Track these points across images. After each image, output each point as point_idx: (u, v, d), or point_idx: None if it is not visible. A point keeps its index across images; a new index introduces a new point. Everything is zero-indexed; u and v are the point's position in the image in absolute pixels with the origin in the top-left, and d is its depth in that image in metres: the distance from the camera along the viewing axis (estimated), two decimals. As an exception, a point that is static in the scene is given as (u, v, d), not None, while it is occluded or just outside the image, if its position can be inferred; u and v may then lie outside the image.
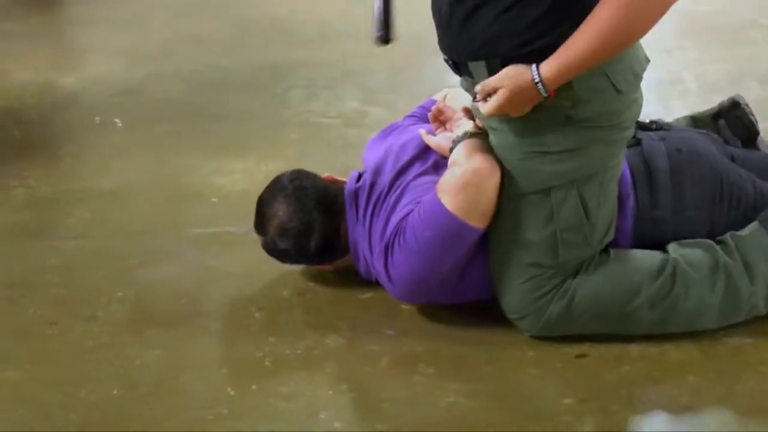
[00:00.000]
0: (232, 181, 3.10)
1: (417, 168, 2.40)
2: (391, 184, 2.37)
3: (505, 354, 2.29)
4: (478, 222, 2.18)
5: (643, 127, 2.44)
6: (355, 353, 2.33)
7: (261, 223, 2.46)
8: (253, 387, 2.22)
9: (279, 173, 2.54)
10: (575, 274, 2.24)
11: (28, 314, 2.49)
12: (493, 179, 2.17)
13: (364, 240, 2.36)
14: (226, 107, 3.64)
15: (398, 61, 4.03)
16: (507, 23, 2.06)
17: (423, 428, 2.08)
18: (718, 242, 2.30)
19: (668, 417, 2.11)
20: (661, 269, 2.24)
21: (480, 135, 2.29)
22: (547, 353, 2.27)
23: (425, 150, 2.43)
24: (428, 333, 2.37)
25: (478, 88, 2.13)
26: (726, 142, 2.59)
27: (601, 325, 2.26)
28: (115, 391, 2.21)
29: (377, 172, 2.43)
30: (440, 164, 2.39)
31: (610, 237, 2.28)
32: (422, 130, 2.45)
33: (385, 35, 2.15)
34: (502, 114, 2.12)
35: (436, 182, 2.28)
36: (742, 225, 2.34)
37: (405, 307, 2.44)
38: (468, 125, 2.32)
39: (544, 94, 2.05)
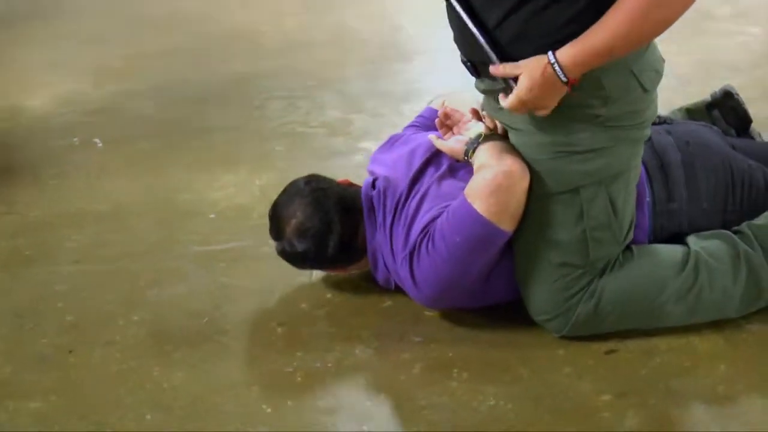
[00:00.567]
0: (227, 196, 3.07)
1: (432, 173, 2.39)
2: (409, 190, 2.37)
3: (536, 354, 2.29)
4: (508, 225, 2.19)
5: (648, 122, 2.45)
6: (387, 362, 2.32)
7: (277, 226, 2.44)
8: (289, 403, 2.21)
9: (292, 180, 2.53)
10: (601, 273, 2.25)
11: (42, 343, 2.44)
12: (525, 181, 2.17)
13: (386, 247, 2.35)
14: (205, 121, 3.60)
15: (371, 68, 4.05)
16: (538, 23, 2.05)
17: (467, 432, 2.07)
18: (736, 232, 2.33)
19: (708, 407, 2.12)
20: (684, 262, 2.26)
21: (494, 136, 2.28)
22: (577, 351, 2.29)
23: (436, 155, 2.43)
24: (456, 338, 2.37)
25: (497, 72, 2.10)
26: (723, 132, 2.63)
27: (630, 321, 2.28)
28: (148, 416, 2.18)
29: (391, 179, 2.43)
30: (456, 168, 2.40)
31: (632, 234, 2.29)
32: (432, 136, 2.45)
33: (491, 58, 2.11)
34: (529, 112, 2.12)
35: (457, 186, 2.28)
36: (755, 213, 2.38)
37: (428, 313, 2.44)
38: (479, 127, 2.33)
39: (563, 79, 2.02)
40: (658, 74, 2.20)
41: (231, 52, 4.29)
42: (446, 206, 2.25)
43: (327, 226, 2.38)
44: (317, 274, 2.61)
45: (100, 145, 3.45)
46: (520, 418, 2.10)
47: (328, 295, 2.55)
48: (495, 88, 2.21)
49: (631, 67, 2.11)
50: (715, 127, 2.62)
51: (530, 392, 2.18)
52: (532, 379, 2.22)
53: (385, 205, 2.37)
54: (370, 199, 2.40)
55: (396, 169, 2.44)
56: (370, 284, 2.54)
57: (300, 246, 2.39)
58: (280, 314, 2.50)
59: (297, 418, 2.16)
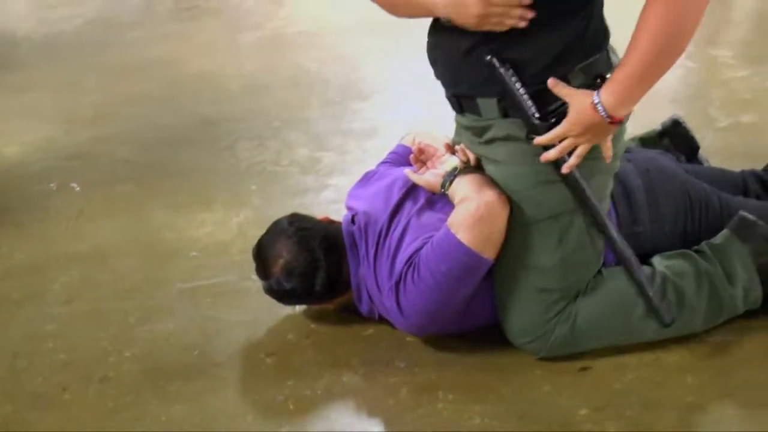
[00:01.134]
0: (207, 234, 3.07)
1: (410, 206, 2.41)
2: (389, 223, 2.39)
3: (516, 374, 2.32)
4: (490, 253, 2.22)
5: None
6: (374, 387, 2.33)
7: (264, 266, 2.44)
8: (284, 430, 2.22)
9: (275, 221, 2.53)
10: (575, 297, 2.29)
11: (38, 382, 2.42)
12: (505, 211, 2.21)
13: (370, 279, 2.37)
14: (178, 163, 3.60)
15: (333, 108, 4.07)
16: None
17: (458, 452, 2.10)
18: (696, 251, 2.37)
19: (680, 416, 2.16)
20: (651, 282, 2.30)
21: (468, 169, 2.32)
22: (554, 369, 2.32)
23: (413, 189, 2.45)
24: (439, 362, 2.38)
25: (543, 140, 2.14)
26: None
27: (604, 340, 2.32)
28: (149, 449, 2.16)
29: (370, 214, 2.44)
30: (433, 200, 2.41)
31: (602, 258, 2.34)
32: (407, 170, 2.46)
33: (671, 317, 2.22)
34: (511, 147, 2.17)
35: (436, 217, 2.31)
36: (712, 233, 2.43)
37: (411, 339, 2.46)
38: (454, 161, 2.35)
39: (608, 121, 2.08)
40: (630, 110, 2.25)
41: (198, 95, 4.29)
42: (429, 237, 2.27)
43: (313, 264, 2.39)
44: (301, 306, 2.60)
45: (78, 189, 3.43)
46: (506, 434, 2.12)
47: (313, 326, 2.56)
48: (477, 124, 2.25)
49: None
50: (670, 154, 2.68)
51: (513, 410, 2.20)
52: (514, 397, 2.24)
53: (367, 239, 2.39)
54: (352, 235, 2.42)
55: (374, 204, 2.46)
56: (352, 313, 2.55)
57: (288, 285, 2.40)
58: (269, 345, 2.50)
59: (293, 444, 2.16)
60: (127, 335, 2.57)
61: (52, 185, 3.47)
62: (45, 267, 2.93)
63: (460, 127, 2.39)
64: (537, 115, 2.12)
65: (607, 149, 2.18)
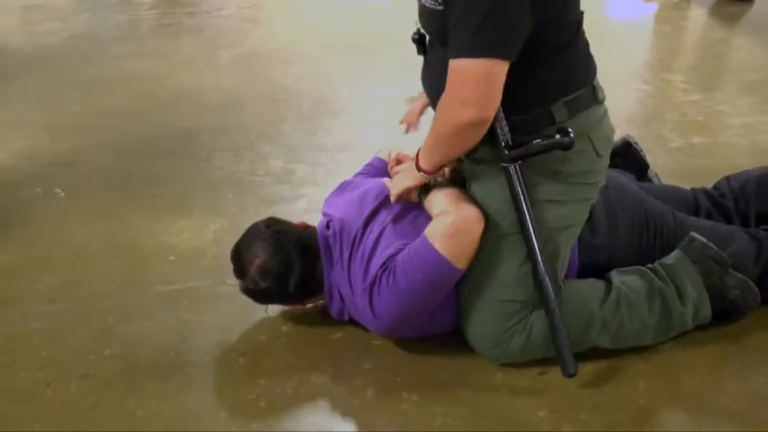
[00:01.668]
0: (184, 240, 3.06)
1: (384, 214, 2.43)
2: (363, 229, 2.41)
3: (477, 377, 2.35)
4: (463, 264, 2.25)
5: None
6: (341, 388, 2.35)
7: (240, 266, 2.45)
8: (255, 426, 2.23)
9: (252, 224, 2.53)
10: (533, 310, 2.30)
11: (21, 377, 2.41)
12: (480, 226, 2.25)
13: (343, 281, 2.38)
14: (157, 172, 3.59)
15: (306, 122, 4.08)
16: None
17: (420, 450, 2.11)
18: (651, 269, 2.40)
19: (632, 418, 2.20)
20: (607, 295, 2.33)
21: (442, 181, 2.35)
22: (514, 374, 2.35)
23: (387, 198, 2.47)
24: (403, 364, 2.40)
25: None
26: None
27: None
28: (125, 442, 2.16)
29: (345, 220, 2.46)
30: (407, 209, 2.44)
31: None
32: (386, 180, 2.49)
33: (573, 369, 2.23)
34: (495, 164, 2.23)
35: (410, 225, 2.36)
36: (666, 247, 2.46)
37: (376, 342, 2.48)
38: None
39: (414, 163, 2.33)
40: (610, 142, 2.31)
41: (176, 108, 4.28)
42: (404, 244, 2.29)
43: (288, 266, 2.40)
44: (273, 310, 2.62)
45: (62, 194, 3.41)
46: (467, 434, 2.14)
47: (284, 328, 2.57)
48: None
49: (589, 134, 2.21)
50: (628, 174, 2.72)
51: (474, 411, 2.22)
52: (475, 399, 2.26)
53: (341, 243, 2.40)
54: (326, 239, 2.44)
55: (349, 211, 2.48)
56: (322, 318, 2.57)
57: (263, 284, 2.41)
58: (241, 346, 2.50)
59: (263, 440, 2.16)
60: (107, 334, 2.57)
61: (38, 191, 3.45)
62: (29, 268, 2.91)
63: None
64: (509, 143, 2.17)
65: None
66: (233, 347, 2.50)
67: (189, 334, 2.56)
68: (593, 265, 2.43)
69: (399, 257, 2.26)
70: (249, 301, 2.55)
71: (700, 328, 2.42)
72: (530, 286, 2.27)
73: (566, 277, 2.38)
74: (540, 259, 2.20)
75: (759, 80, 4.46)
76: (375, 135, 3.79)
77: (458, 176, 2.45)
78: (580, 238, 2.40)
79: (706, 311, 2.38)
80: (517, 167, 2.19)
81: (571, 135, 2.13)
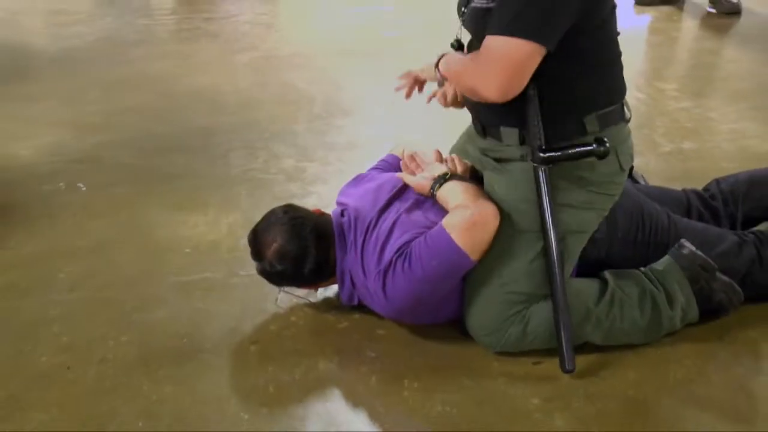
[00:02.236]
0: (199, 233, 3.05)
1: (398, 205, 2.43)
2: (378, 217, 2.40)
3: (475, 366, 2.34)
4: (476, 256, 2.25)
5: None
6: (347, 375, 2.34)
7: (258, 249, 2.44)
8: (264, 411, 2.22)
9: (270, 209, 2.53)
10: (532, 303, 2.30)
11: (42, 362, 2.40)
12: (496, 221, 2.25)
13: (356, 265, 2.38)
14: (176, 169, 3.58)
15: (318, 123, 4.07)
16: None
17: (421, 435, 2.10)
18: (643, 273, 2.40)
19: (621, 407, 2.19)
20: (602, 295, 2.33)
21: (456, 176, 2.36)
22: (510, 363, 2.34)
23: (401, 191, 2.48)
24: (406, 353, 2.39)
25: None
26: None
27: (552, 342, 2.31)
28: (140, 424, 2.17)
29: (359, 209, 2.46)
30: (421, 201, 2.44)
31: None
32: (400, 174, 2.49)
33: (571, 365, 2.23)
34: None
35: (424, 216, 2.36)
36: (660, 245, 2.46)
37: (380, 332, 2.47)
38: (442, 168, 2.40)
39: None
40: (631, 158, 2.34)
41: (194, 108, 4.27)
42: (419, 233, 2.29)
43: (304, 250, 2.40)
44: (283, 300, 2.61)
45: (84, 189, 3.40)
46: (464, 420, 2.15)
47: (293, 318, 2.56)
48: (496, 147, 2.35)
49: (617, 148, 2.23)
50: (629, 178, 2.71)
51: (472, 398, 2.21)
52: (473, 387, 2.25)
53: (355, 230, 2.40)
54: (341, 225, 2.43)
55: (363, 201, 2.48)
56: (329, 309, 2.58)
57: (280, 267, 2.40)
58: (252, 335, 2.50)
59: (271, 423, 2.17)
60: (124, 322, 2.56)
61: (61, 185, 3.44)
62: (51, 258, 2.91)
63: (471, 148, 2.48)
64: (543, 146, 2.19)
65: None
66: (245, 335, 2.49)
67: (203, 323, 2.55)
68: (592, 259, 2.43)
69: (415, 244, 2.26)
70: (261, 292, 2.56)
71: (687, 324, 2.41)
72: (537, 281, 2.27)
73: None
74: (556, 258, 2.20)
75: (746, 88, 4.45)
76: (381, 135, 3.78)
77: (474, 174, 2.47)
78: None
79: (694, 313, 2.38)
80: (547, 169, 2.18)
81: (607, 145, 2.16)
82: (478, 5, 2.16)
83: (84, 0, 6.47)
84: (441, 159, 2.49)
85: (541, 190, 2.22)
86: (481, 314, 2.31)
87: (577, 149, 2.21)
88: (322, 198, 3.22)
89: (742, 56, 5.04)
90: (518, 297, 2.28)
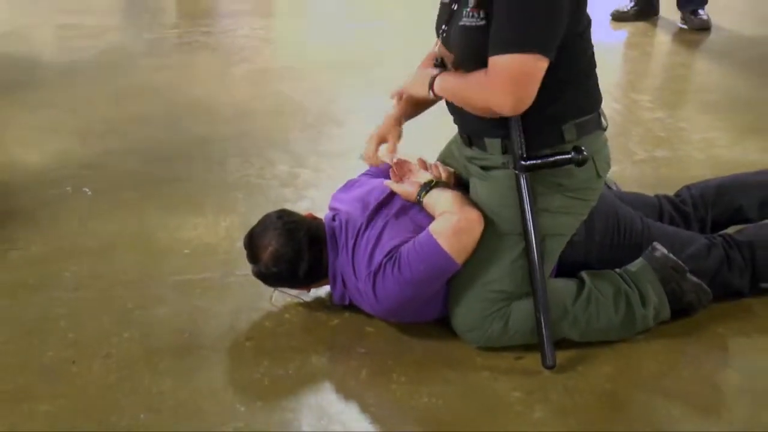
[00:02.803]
0: (198, 235, 3.05)
1: (386, 211, 2.44)
2: (367, 222, 2.41)
3: (460, 362, 2.34)
4: (461, 260, 2.26)
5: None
6: (338, 369, 2.34)
7: (254, 253, 2.44)
8: (259, 403, 2.22)
9: (265, 214, 2.54)
10: (513, 301, 2.30)
11: (48, 356, 2.40)
12: (481, 227, 2.26)
13: (347, 267, 2.38)
14: (176, 174, 3.58)
15: (311, 131, 4.06)
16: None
17: (407, 425, 2.13)
18: (618, 274, 2.41)
19: (598, 400, 2.20)
20: (579, 294, 2.33)
21: (441, 183, 2.37)
22: (493, 358, 2.34)
23: (388, 197, 2.48)
24: (394, 349, 2.39)
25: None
26: None
27: (532, 338, 2.32)
28: (141, 416, 2.16)
29: (350, 213, 2.47)
30: (407, 207, 2.45)
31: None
32: (387, 182, 2.49)
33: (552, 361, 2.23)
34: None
35: (411, 221, 2.37)
36: (635, 247, 2.47)
37: (370, 329, 2.47)
38: (428, 175, 2.41)
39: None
40: (608, 166, 2.35)
41: (194, 118, 4.26)
42: (407, 237, 2.30)
43: (298, 252, 2.39)
44: (277, 299, 2.61)
45: (89, 193, 3.40)
46: (449, 412, 2.15)
47: (287, 316, 2.56)
48: (480, 155, 2.35)
49: (593, 156, 2.24)
50: (605, 184, 2.72)
51: (457, 391, 2.22)
52: (458, 381, 2.26)
53: (346, 233, 2.40)
54: (333, 229, 2.43)
55: (354, 206, 2.49)
56: (321, 307, 2.58)
57: (275, 269, 2.40)
58: (248, 331, 2.49)
59: (266, 415, 2.17)
60: (126, 319, 2.55)
61: (68, 189, 3.43)
62: (57, 258, 2.90)
63: (457, 153, 2.49)
64: (524, 155, 2.20)
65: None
66: (241, 332, 2.49)
67: (201, 320, 2.55)
68: (571, 261, 2.43)
69: (403, 249, 2.26)
70: (256, 291, 2.56)
71: (659, 322, 2.42)
72: (518, 280, 2.27)
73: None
74: (537, 260, 2.21)
75: (716, 100, 4.47)
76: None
77: (458, 180, 2.47)
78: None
79: (666, 313, 2.39)
80: (527, 176, 2.19)
81: (585, 153, 2.18)
82: (468, 24, 2.15)
83: (91, 15, 6.45)
84: (425, 167, 2.49)
85: (522, 195, 2.23)
86: (465, 312, 2.32)
87: (557, 157, 2.21)
88: (314, 202, 3.22)
89: (712, 69, 5.07)
90: (500, 295, 2.28)
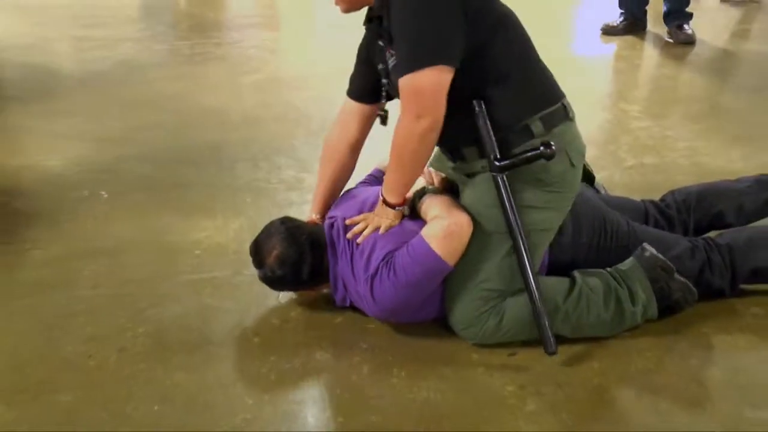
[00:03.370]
0: (208, 237, 3.06)
1: None
2: None
3: (456, 358, 2.35)
4: (453, 262, 2.26)
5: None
6: (341, 365, 2.34)
7: (259, 257, 2.45)
8: (266, 397, 2.22)
9: (269, 222, 2.55)
10: (505, 298, 2.31)
11: (68, 350, 2.41)
12: (470, 230, 2.27)
13: (347, 271, 2.39)
14: (187, 179, 3.58)
15: (314, 138, 4.06)
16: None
17: (407, 417, 2.12)
18: (609, 273, 2.42)
19: (587, 394, 2.21)
20: (570, 291, 2.34)
21: (433, 189, 2.36)
22: (487, 355, 2.35)
23: None
24: (395, 346, 2.40)
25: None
26: None
27: (526, 335, 2.33)
28: (156, 407, 2.17)
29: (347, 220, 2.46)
30: None
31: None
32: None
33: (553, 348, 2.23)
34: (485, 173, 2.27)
35: (404, 227, 2.37)
36: (621, 248, 2.48)
37: (371, 326, 2.47)
38: (422, 182, 2.42)
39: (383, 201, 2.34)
40: (582, 156, 2.34)
41: (203, 125, 4.27)
42: (402, 241, 2.30)
43: (301, 257, 2.40)
44: (284, 297, 2.62)
45: (106, 196, 3.41)
46: (448, 405, 2.16)
47: (293, 313, 2.57)
48: (463, 164, 2.37)
49: (565, 147, 2.25)
50: (592, 188, 2.73)
51: (454, 386, 2.22)
52: (455, 376, 2.27)
53: (345, 240, 2.40)
54: (332, 236, 2.44)
55: (351, 214, 2.49)
56: (326, 306, 2.57)
57: (280, 272, 2.41)
58: (256, 328, 2.50)
59: (273, 407, 2.17)
60: (140, 316, 2.56)
61: (85, 192, 3.44)
62: (76, 258, 2.91)
63: (445, 166, 2.49)
64: (498, 156, 2.21)
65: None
66: (249, 329, 2.50)
67: (211, 317, 2.55)
68: (560, 262, 2.45)
69: (398, 253, 2.27)
70: (263, 289, 2.56)
71: (647, 319, 2.43)
72: (508, 278, 2.28)
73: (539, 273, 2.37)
74: (525, 254, 2.22)
75: (701, 110, 4.48)
76: (372, 149, 3.77)
77: (449, 185, 2.47)
78: (549, 236, 2.40)
79: (653, 310, 2.40)
80: (505, 177, 2.20)
81: (553, 147, 2.17)
82: (393, 63, 2.20)
83: (107, 28, 6.46)
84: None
85: (502, 195, 2.23)
86: (460, 310, 2.33)
87: (527, 154, 2.22)
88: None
89: (697, 81, 5.08)
90: (492, 293, 2.29)
